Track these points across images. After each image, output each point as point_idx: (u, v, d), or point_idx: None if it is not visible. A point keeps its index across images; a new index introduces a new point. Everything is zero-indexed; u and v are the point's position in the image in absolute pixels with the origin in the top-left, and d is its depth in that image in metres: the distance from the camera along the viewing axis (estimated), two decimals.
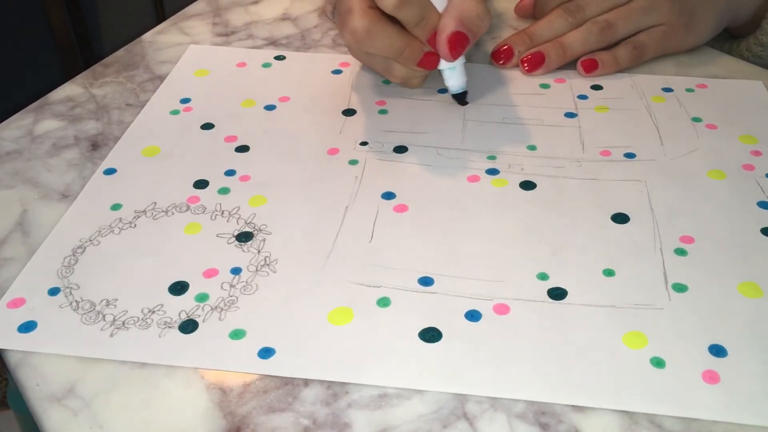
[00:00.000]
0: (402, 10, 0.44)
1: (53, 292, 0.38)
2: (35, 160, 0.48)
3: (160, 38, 0.62)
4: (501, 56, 0.57)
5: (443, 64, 0.49)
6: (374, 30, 0.46)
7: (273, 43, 0.61)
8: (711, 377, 0.34)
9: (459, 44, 0.47)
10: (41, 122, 0.52)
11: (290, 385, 0.34)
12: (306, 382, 0.34)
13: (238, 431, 0.32)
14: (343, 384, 0.34)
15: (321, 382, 0.34)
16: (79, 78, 0.56)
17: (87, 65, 0.58)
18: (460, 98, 0.52)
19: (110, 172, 0.47)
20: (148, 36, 0.62)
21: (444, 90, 0.54)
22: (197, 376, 0.35)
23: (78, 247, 0.41)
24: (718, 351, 0.35)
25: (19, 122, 0.52)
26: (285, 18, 0.65)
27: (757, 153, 0.48)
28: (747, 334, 0.36)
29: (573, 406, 0.33)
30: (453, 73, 0.50)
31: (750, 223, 0.42)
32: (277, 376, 0.34)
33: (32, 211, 0.44)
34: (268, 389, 0.34)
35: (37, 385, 0.34)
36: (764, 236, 0.41)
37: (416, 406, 0.33)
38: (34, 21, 1.51)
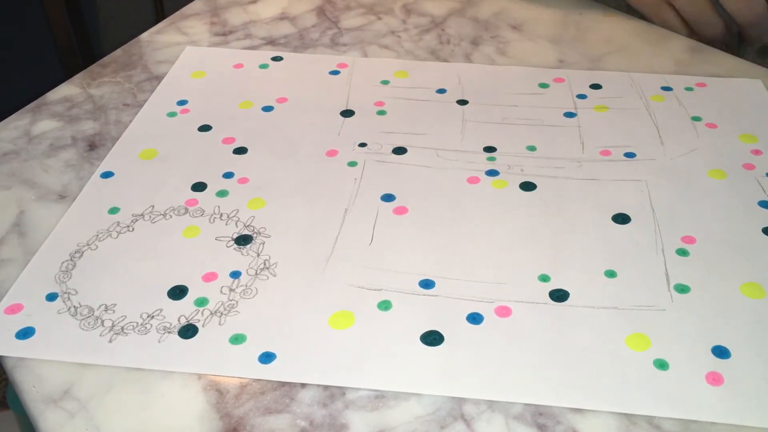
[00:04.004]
0: None
1: (51, 297, 0.38)
2: (32, 161, 0.48)
3: (157, 38, 0.62)
4: None
5: None
6: None
7: (271, 42, 0.61)
8: (715, 379, 0.34)
9: None
10: (38, 123, 0.52)
11: (287, 386, 0.34)
12: (303, 384, 0.34)
13: None
14: (340, 385, 0.34)
15: (318, 383, 0.34)
16: (77, 78, 0.56)
17: (87, 65, 0.58)
18: None
19: (107, 175, 0.46)
20: (145, 36, 0.62)
21: (443, 90, 0.54)
22: (194, 377, 0.34)
23: (76, 252, 0.41)
24: (721, 352, 0.35)
25: (16, 122, 0.51)
26: (283, 17, 0.65)
27: (757, 152, 0.48)
28: (750, 335, 0.36)
29: (573, 407, 0.33)
30: None
31: (751, 223, 0.42)
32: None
33: (29, 212, 0.44)
34: (265, 391, 0.34)
35: (33, 386, 0.34)
36: (766, 236, 0.41)
37: (413, 407, 0.33)
38: (34, 21, 1.51)
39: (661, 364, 0.34)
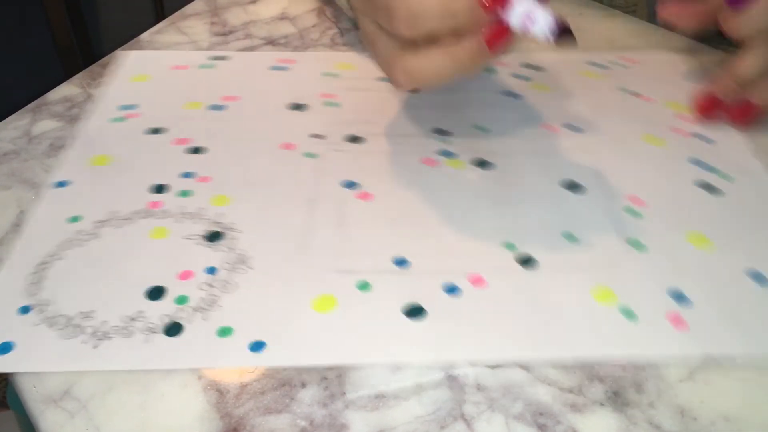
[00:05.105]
0: None
1: (24, 310, 0.37)
2: (32, 161, 0.48)
3: (157, 38, 0.62)
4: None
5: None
6: None
7: (271, 42, 0.61)
8: (676, 320, 0.37)
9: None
10: (39, 122, 0.52)
11: (287, 386, 0.34)
12: (303, 383, 0.34)
13: None
14: (340, 384, 0.34)
15: (318, 382, 0.34)
16: (77, 78, 0.56)
17: (87, 65, 0.58)
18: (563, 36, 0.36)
19: (63, 185, 0.46)
20: (145, 36, 0.62)
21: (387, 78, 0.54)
22: (194, 377, 0.34)
23: (41, 264, 0.40)
24: (679, 297, 0.38)
25: (17, 122, 0.51)
26: (283, 17, 0.65)
27: (682, 117, 0.52)
28: (701, 278, 0.39)
29: (571, 406, 0.33)
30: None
31: (685, 179, 0.47)
32: (274, 377, 0.34)
33: (29, 212, 0.44)
34: (265, 390, 0.34)
35: (33, 386, 0.34)
36: (699, 189, 0.46)
37: (414, 407, 0.33)
38: (34, 21, 1.51)
39: (628, 313, 0.38)
